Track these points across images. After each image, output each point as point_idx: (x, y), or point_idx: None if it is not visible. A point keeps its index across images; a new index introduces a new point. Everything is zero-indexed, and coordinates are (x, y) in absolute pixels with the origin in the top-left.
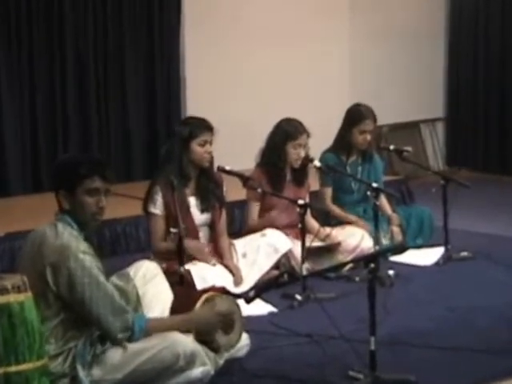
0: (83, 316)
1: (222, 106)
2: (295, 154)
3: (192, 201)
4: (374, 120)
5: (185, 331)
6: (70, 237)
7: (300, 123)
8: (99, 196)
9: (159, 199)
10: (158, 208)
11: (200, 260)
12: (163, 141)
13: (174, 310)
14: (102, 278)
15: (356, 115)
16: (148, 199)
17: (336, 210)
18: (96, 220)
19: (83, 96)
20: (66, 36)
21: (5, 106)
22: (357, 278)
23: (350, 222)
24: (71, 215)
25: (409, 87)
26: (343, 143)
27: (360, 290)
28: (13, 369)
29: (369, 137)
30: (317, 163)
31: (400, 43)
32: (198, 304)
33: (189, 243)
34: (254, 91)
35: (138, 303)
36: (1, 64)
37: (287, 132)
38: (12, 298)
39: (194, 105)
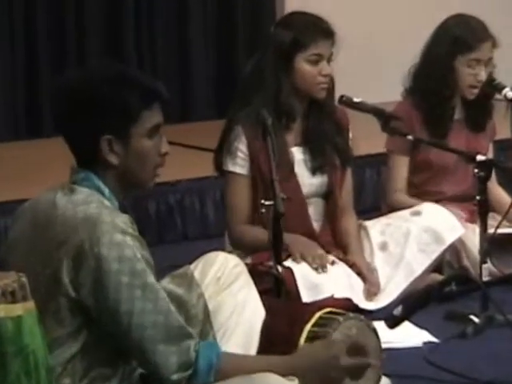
0: (117, 340)
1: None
2: (471, 75)
3: (297, 154)
4: None
5: None
6: (99, 207)
7: (481, 24)
8: (159, 136)
9: (243, 150)
10: (239, 165)
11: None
12: (243, 55)
13: (268, 335)
14: (151, 279)
15: None
16: (223, 150)
17: None
18: (156, 177)
19: None
20: None
21: None
22: None
23: None
24: (100, 174)
25: None
26: None
27: None
28: None
29: None
30: (509, 92)
31: None
32: (308, 326)
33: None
34: None
35: (206, 323)
36: None
37: (459, 38)
38: (3, 311)
39: None
